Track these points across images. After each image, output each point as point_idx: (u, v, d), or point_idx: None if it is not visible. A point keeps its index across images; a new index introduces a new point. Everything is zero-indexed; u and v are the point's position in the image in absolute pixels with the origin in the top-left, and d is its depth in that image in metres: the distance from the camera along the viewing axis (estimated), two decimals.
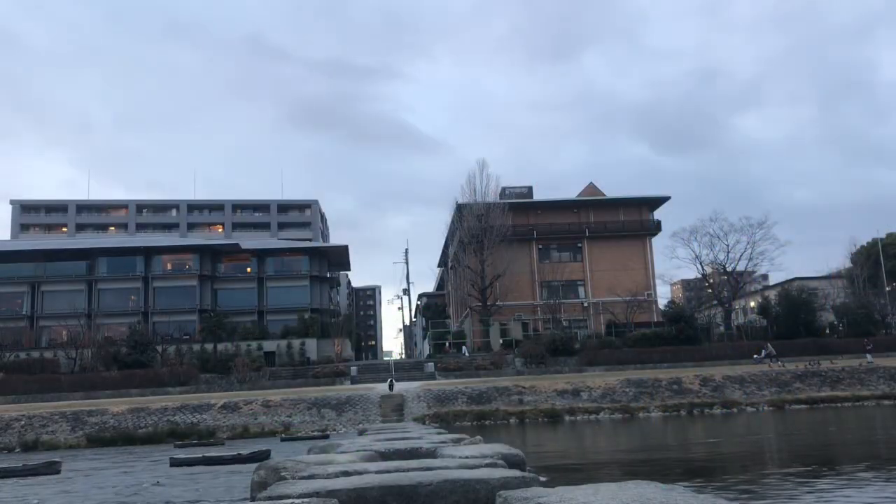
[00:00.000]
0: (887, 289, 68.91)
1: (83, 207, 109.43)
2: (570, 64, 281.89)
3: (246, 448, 23.60)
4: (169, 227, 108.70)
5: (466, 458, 7.79)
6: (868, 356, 42.46)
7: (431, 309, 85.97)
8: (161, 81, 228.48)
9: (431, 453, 9.08)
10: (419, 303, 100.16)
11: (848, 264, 75.43)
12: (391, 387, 39.05)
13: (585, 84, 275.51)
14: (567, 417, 33.99)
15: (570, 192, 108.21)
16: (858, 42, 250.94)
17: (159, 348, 59.81)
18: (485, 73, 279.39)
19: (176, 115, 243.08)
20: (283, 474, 7.19)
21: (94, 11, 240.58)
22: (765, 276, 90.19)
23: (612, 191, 76.58)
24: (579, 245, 69.87)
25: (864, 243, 77.26)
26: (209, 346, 60.61)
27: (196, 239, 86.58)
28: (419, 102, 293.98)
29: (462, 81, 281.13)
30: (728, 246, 67.21)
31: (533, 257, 69.05)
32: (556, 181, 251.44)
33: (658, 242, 72.55)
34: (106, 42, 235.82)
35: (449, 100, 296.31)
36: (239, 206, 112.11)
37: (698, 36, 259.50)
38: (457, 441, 11.28)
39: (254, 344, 62.62)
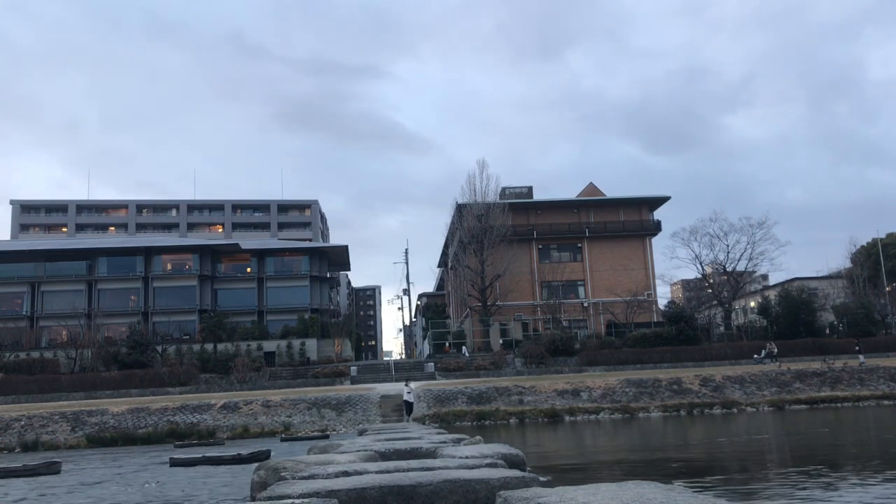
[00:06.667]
0: (887, 289, 68.91)
1: (83, 207, 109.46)
2: (557, 63, 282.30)
3: (246, 448, 23.61)
4: (169, 227, 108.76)
5: (466, 458, 7.79)
6: (860, 356, 42.44)
7: (431, 309, 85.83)
8: (146, 81, 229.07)
9: (431, 453, 9.08)
10: (419, 303, 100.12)
11: (848, 264, 75.46)
12: (409, 408, 33.05)
13: (572, 83, 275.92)
14: (567, 417, 33.98)
15: (564, 191, 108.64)
16: (846, 41, 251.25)
17: (159, 348, 59.79)
18: (471, 72, 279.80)
19: (163, 115, 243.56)
20: (283, 474, 7.19)
21: (75, 9, 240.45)
22: (765, 277, 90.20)
23: (605, 190, 76.62)
24: (579, 245, 69.89)
25: (864, 243, 77.37)
26: (209, 347, 60.58)
27: (196, 239, 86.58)
28: (406, 101, 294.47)
29: (448, 80, 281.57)
30: (728, 246, 67.36)
31: (533, 257, 69.05)
32: (549, 181, 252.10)
33: (658, 242, 72.60)
34: (89, 40, 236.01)
35: (436, 99, 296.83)
36: (239, 207, 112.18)
37: (684, 35, 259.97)
38: (457, 441, 11.28)
39: (254, 344, 62.62)
